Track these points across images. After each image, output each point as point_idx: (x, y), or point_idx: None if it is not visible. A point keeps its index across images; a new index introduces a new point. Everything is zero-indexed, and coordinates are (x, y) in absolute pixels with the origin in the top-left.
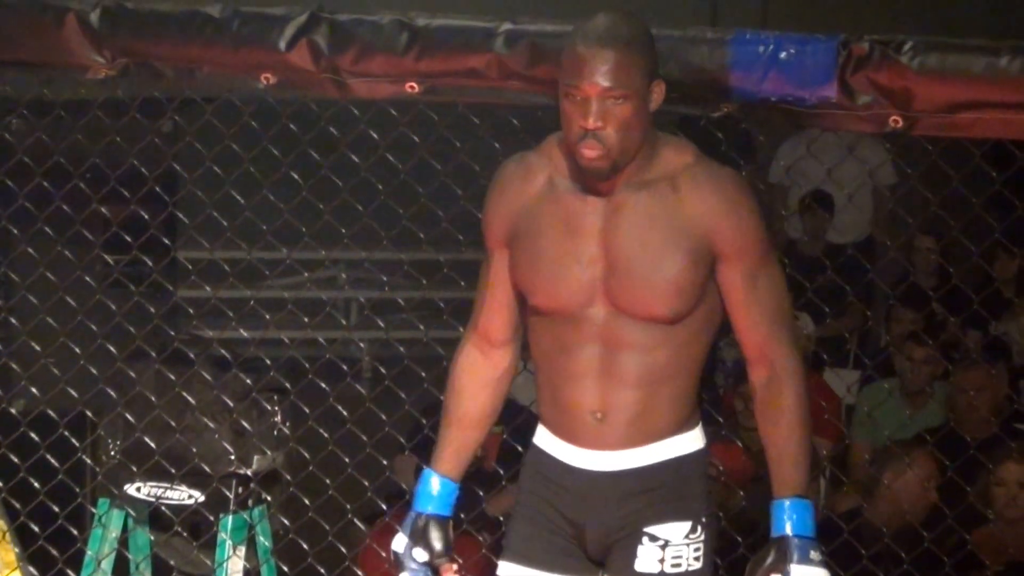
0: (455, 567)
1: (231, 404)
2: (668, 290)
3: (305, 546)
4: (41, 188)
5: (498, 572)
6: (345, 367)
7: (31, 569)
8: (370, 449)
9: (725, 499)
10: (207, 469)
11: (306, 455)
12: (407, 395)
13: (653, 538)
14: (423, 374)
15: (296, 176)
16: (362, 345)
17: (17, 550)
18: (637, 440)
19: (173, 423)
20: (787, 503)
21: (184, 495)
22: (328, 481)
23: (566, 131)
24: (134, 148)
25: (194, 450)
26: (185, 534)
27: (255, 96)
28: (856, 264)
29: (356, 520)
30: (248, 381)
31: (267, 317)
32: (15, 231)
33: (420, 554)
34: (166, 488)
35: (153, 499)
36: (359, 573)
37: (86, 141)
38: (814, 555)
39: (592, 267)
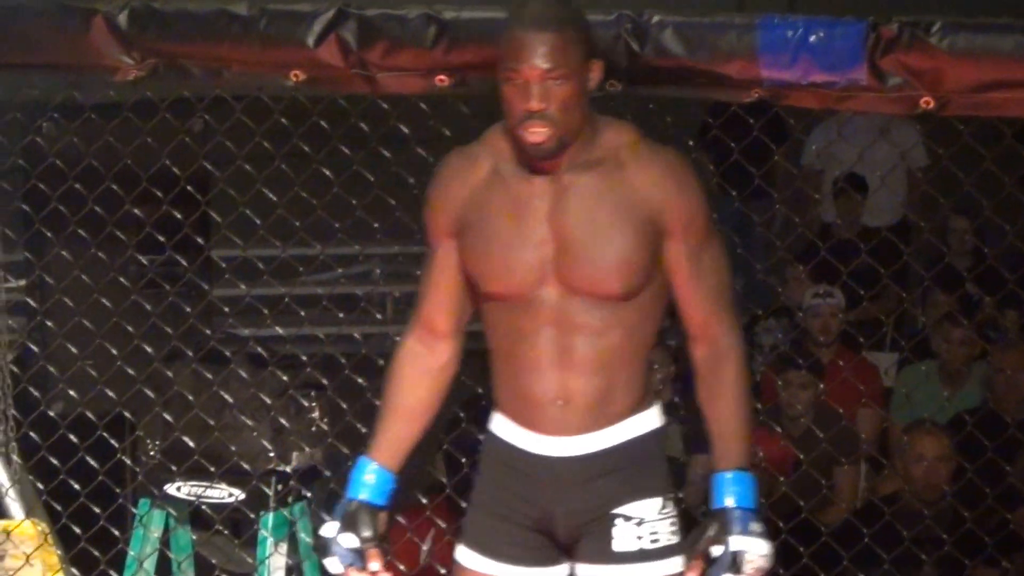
0: (381, 556)
1: (269, 402)
2: (618, 267)
3: None
4: (73, 191)
5: (456, 556)
6: (381, 362)
7: (74, 571)
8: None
9: (768, 487)
10: (247, 467)
11: (345, 451)
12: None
13: (627, 518)
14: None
15: (328, 172)
16: (398, 339)
17: (60, 552)
18: (598, 423)
19: (211, 422)
20: (729, 476)
21: (224, 493)
22: None
23: (508, 115)
24: (165, 148)
25: (233, 448)
26: (226, 532)
27: (285, 93)
28: (891, 247)
29: (395, 514)
30: (285, 378)
31: (302, 314)
32: (49, 234)
33: (348, 539)
34: (206, 487)
35: (194, 498)
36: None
37: (117, 142)
38: (754, 527)
39: (542, 248)
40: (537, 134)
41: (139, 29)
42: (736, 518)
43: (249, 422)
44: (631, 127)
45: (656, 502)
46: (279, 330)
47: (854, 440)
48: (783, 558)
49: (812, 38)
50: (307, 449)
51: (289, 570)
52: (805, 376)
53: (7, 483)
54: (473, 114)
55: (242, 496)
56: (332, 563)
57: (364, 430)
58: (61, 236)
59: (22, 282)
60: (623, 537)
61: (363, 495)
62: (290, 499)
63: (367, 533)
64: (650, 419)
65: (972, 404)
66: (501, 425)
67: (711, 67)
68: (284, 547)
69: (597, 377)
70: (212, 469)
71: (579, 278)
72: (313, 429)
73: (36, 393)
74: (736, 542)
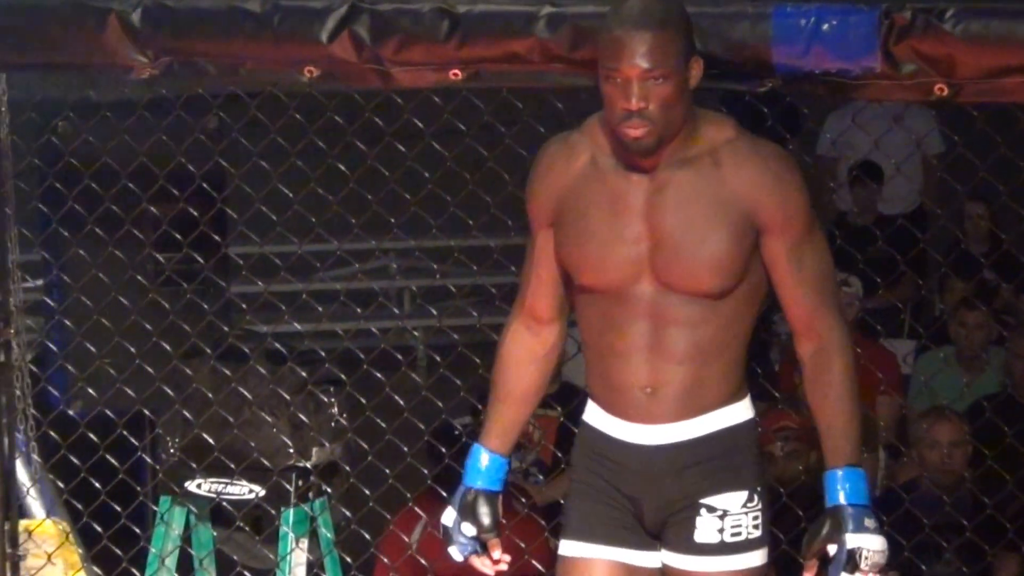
0: (500, 544)
1: (288, 398)
2: (714, 265)
3: (367, 536)
4: (90, 189)
5: (559, 551)
6: (400, 356)
7: (95, 569)
8: (428, 437)
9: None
10: (267, 463)
11: (364, 445)
12: (462, 382)
13: (711, 509)
14: (478, 360)
15: (343, 167)
16: (416, 334)
17: (81, 551)
18: (688, 413)
19: (231, 419)
20: (840, 472)
21: (245, 490)
22: (387, 471)
23: (609, 113)
24: (181, 146)
25: (253, 445)
26: (247, 529)
27: (299, 89)
28: (907, 234)
29: (416, 508)
30: (304, 374)
31: (320, 309)
32: (66, 233)
33: (468, 528)
34: (227, 484)
35: (214, 495)
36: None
37: (133, 141)
38: (868, 523)
39: (638, 245)
40: (637, 130)
41: (153, 27)
42: (850, 515)
43: (268, 418)
44: (731, 122)
45: (741, 495)
46: (297, 326)
47: (873, 428)
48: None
49: (825, 26)
50: (327, 444)
51: (310, 566)
52: None
53: (28, 482)
54: (487, 107)
55: (262, 492)
56: (453, 551)
57: (383, 424)
58: (78, 235)
59: (40, 281)
60: (705, 528)
61: (480, 483)
62: (310, 495)
63: (487, 521)
64: (741, 411)
65: (991, 390)
66: (593, 413)
67: (724, 57)
68: (305, 543)
69: (688, 367)
70: (232, 466)
71: (674, 275)
72: (332, 424)
73: (55, 392)
74: (852, 539)
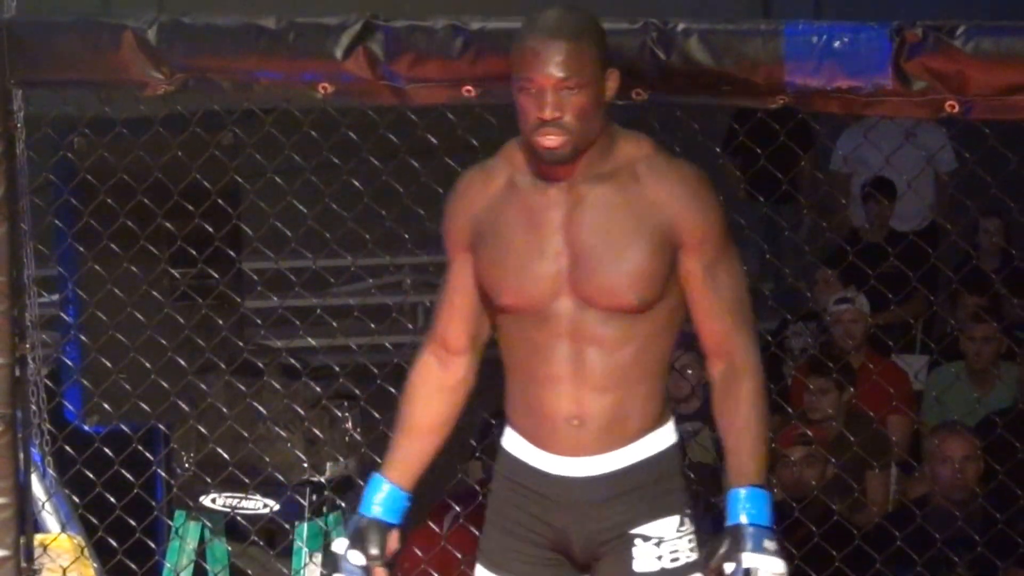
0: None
1: (302, 412)
2: (633, 278)
3: None
4: (105, 205)
5: (475, 574)
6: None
7: None
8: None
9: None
10: (281, 478)
11: (378, 460)
12: (475, 397)
13: (645, 538)
14: (490, 376)
15: (357, 183)
16: None
17: (96, 565)
18: (615, 443)
19: (245, 433)
20: (743, 492)
21: (259, 504)
22: None
23: (523, 124)
24: (196, 162)
25: (267, 459)
26: (262, 543)
27: (314, 105)
28: (919, 250)
29: (430, 523)
30: (318, 389)
31: (334, 324)
32: (81, 248)
33: (356, 557)
34: (241, 498)
35: (229, 509)
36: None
37: (148, 157)
38: (768, 544)
39: (557, 260)
40: (551, 140)
41: (168, 44)
42: (749, 535)
43: (283, 433)
44: (647, 139)
45: (674, 520)
46: (311, 341)
47: (885, 444)
48: (816, 560)
49: (837, 44)
50: (341, 459)
51: None
52: (832, 380)
53: (43, 497)
54: (500, 123)
55: (277, 507)
56: None
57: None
58: (93, 250)
59: (55, 297)
60: (643, 557)
61: (374, 512)
62: (324, 509)
63: (374, 551)
64: (666, 436)
65: (1003, 405)
66: (513, 441)
67: (737, 74)
68: (319, 557)
69: (612, 394)
70: (247, 480)
71: (594, 290)
72: (347, 439)
73: (70, 407)
74: (748, 559)
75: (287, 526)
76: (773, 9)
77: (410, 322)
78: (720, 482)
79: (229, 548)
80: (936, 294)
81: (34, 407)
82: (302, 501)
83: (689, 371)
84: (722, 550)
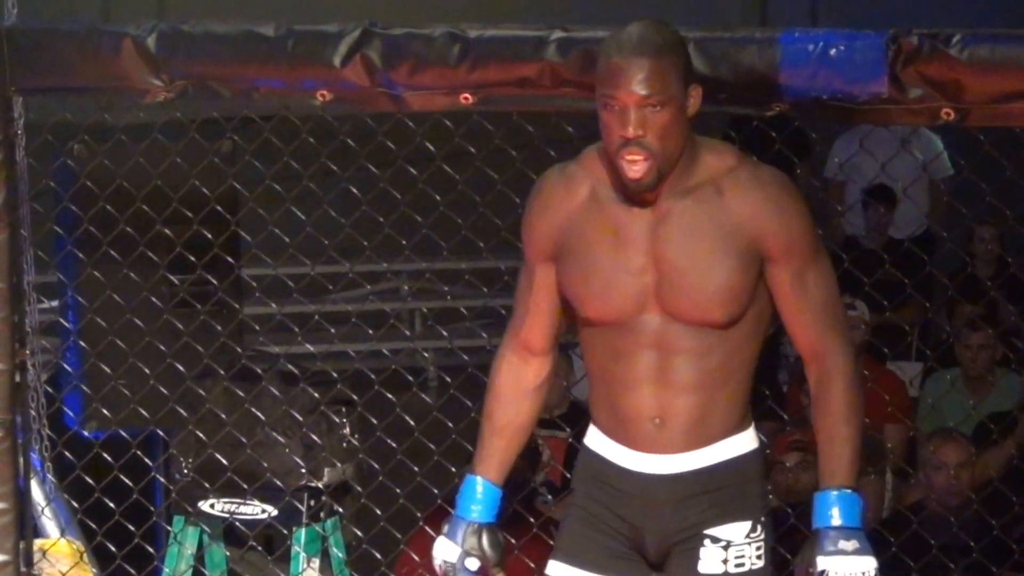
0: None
1: (300, 418)
2: (720, 296)
3: (378, 556)
4: (105, 211)
5: (547, 571)
6: (410, 377)
7: None
8: (438, 457)
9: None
10: (279, 483)
11: (376, 466)
12: (473, 403)
13: (715, 540)
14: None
15: (355, 190)
16: (426, 355)
17: (95, 570)
18: (695, 443)
19: (244, 439)
20: (833, 494)
21: (257, 510)
22: (398, 491)
23: (607, 142)
24: (195, 169)
25: (265, 465)
26: (260, 548)
27: (312, 113)
28: (915, 258)
29: (427, 528)
30: (316, 395)
31: (332, 331)
32: (81, 255)
33: (473, 563)
34: (239, 504)
35: (227, 515)
36: None
37: (147, 164)
38: (846, 545)
39: (642, 276)
40: (636, 166)
41: (168, 52)
42: (829, 537)
43: (281, 439)
44: (732, 150)
45: (745, 525)
46: (309, 347)
47: (880, 450)
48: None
49: (832, 51)
50: (338, 465)
51: None
52: None
53: (42, 502)
54: (498, 131)
55: (275, 512)
56: None
57: (394, 445)
58: (93, 257)
59: (55, 303)
60: (709, 559)
61: (478, 515)
62: (322, 515)
63: (493, 554)
64: (746, 440)
65: (999, 411)
66: (596, 439)
67: (733, 82)
68: (317, 562)
69: (695, 397)
70: (245, 486)
71: (680, 307)
72: (344, 445)
73: (70, 412)
74: (822, 562)
75: (285, 531)
76: (769, 17)
77: (407, 328)
78: None
79: (227, 553)
80: (931, 301)
81: (34, 412)
82: (300, 506)
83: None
84: (806, 552)
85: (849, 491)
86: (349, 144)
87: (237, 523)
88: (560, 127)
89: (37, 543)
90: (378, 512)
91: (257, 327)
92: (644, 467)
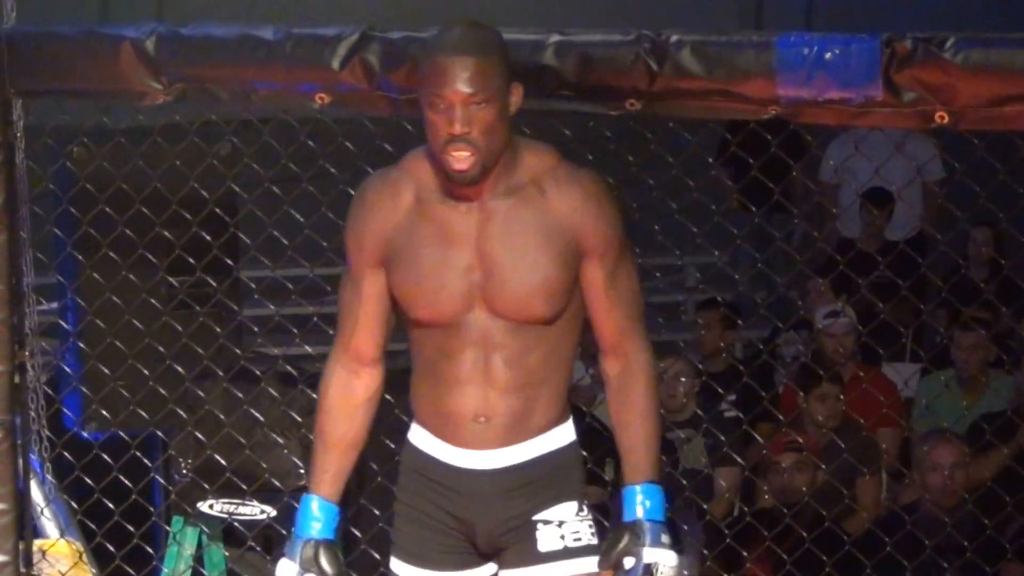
0: None
1: (299, 419)
2: (544, 292)
3: (377, 556)
4: (104, 214)
5: (391, 567)
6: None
7: None
8: None
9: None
10: (278, 484)
11: (374, 466)
12: None
13: (546, 522)
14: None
15: (353, 193)
16: None
17: (94, 571)
18: (518, 438)
19: (243, 440)
20: (639, 488)
21: (256, 510)
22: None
23: (432, 140)
24: (194, 171)
25: (264, 466)
26: (259, 549)
27: (311, 116)
28: (909, 259)
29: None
30: (314, 396)
31: (330, 332)
32: (80, 257)
33: None
34: (238, 504)
35: (226, 515)
36: None
37: (146, 166)
38: (665, 539)
39: (470, 275)
40: (461, 159)
41: (166, 54)
42: (647, 530)
43: (279, 440)
44: (551, 150)
45: (572, 505)
46: (308, 348)
47: (875, 451)
48: (807, 567)
49: (827, 55)
50: None
51: None
52: (825, 388)
53: (42, 503)
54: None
55: (274, 513)
56: None
57: (392, 445)
58: (92, 259)
59: (54, 304)
60: (546, 538)
61: (316, 533)
62: None
63: (329, 569)
64: (565, 434)
65: (992, 412)
66: (420, 436)
67: (729, 86)
68: None
69: (518, 395)
70: (244, 487)
71: (505, 303)
72: None
73: (69, 414)
74: (650, 554)
75: (284, 532)
76: (765, 21)
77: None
78: (712, 489)
79: (226, 554)
80: (925, 302)
81: (33, 414)
82: (298, 507)
83: (683, 379)
84: (622, 544)
85: (655, 486)
86: (347, 147)
87: (236, 524)
88: (557, 129)
89: (37, 544)
90: (377, 512)
91: (256, 328)
92: (469, 463)
